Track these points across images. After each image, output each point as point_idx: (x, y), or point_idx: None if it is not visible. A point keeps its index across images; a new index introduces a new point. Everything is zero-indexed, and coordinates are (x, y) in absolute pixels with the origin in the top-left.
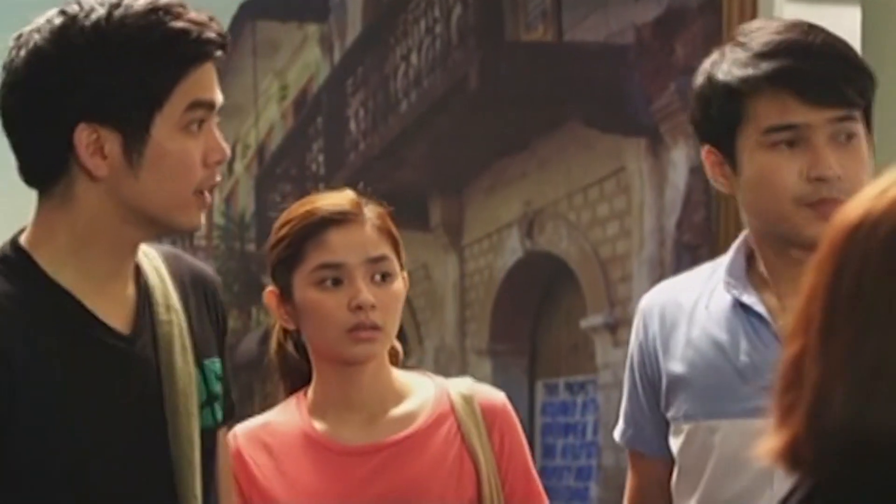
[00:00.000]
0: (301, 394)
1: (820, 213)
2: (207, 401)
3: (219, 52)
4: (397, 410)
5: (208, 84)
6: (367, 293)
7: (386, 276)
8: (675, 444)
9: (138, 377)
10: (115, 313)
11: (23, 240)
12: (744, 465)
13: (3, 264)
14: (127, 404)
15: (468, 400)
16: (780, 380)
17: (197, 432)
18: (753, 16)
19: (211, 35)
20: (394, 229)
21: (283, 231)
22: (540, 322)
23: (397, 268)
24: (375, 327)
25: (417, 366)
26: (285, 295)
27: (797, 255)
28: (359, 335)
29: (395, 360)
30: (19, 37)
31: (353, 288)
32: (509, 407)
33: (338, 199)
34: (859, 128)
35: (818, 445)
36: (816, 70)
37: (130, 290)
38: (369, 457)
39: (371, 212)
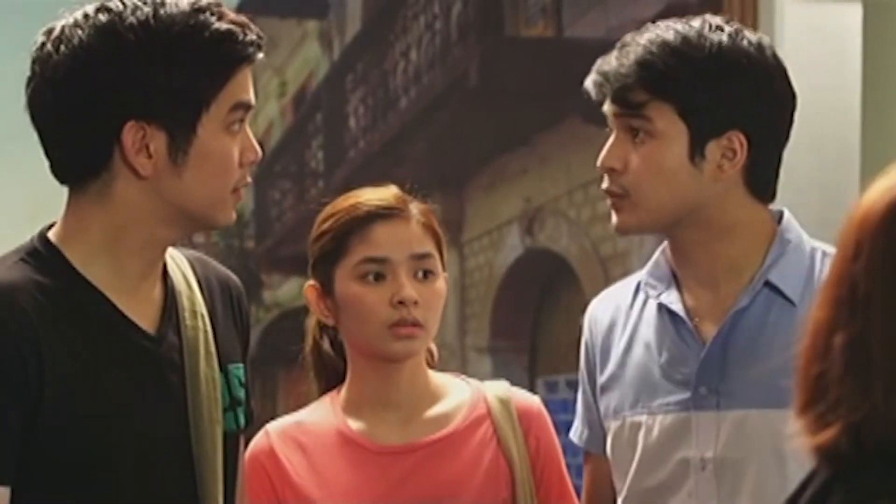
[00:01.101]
0: (335, 392)
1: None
2: (230, 406)
3: (260, 55)
4: (433, 411)
5: (247, 85)
6: (410, 289)
7: (428, 274)
8: (608, 440)
9: (162, 378)
10: (142, 313)
11: (52, 234)
12: (663, 458)
13: (33, 258)
14: (152, 403)
15: (505, 403)
16: (823, 371)
17: (220, 436)
18: (754, 12)
19: (253, 37)
20: (438, 227)
21: (327, 225)
22: (540, 319)
23: (440, 266)
24: (417, 324)
25: None
26: (326, 289)
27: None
28: (400, 331)
29: (430, 360)
30: (51, 32)
31: (396, 283)
32: (544, 411)
33: (383, 193)
34: (653, 125)
35: (850, 439)
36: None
37: (158, 291)
38: (405, 456)
39: (416, 208)
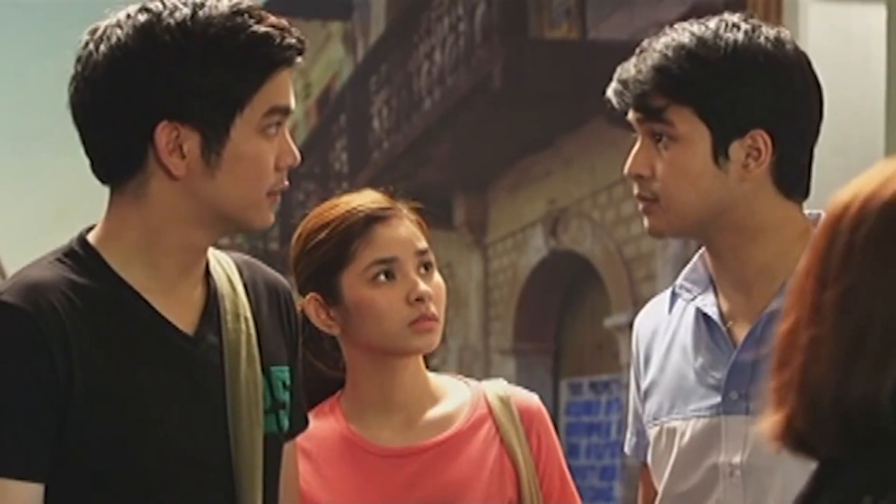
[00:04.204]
0: (334, 399)
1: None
2: (272, 408)
3: (298, 59)
4: (434, 413)
5: (286, 90)
6: (424, 284)
7: (429, 266)
8: (649, 446)
9: (201, 379)
10: (181, 314)
11: (91, 236)
12: (695, 464)
13: (69, 258)
14: (188, 404)
15: (505, 402)
16: (774, 357)
17: (260, 438)
18: (778, 14)
19: (292, 41)
20: (423, 222)
21: (323, 235)
22: (564, 321)
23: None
24: (434, 318)
25: (441, 365)
26: (329, 299)
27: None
28: (421, 326)
29: (425, 361)
30: (95, 31)
31: (409, 281)
32: (544, 409)
33: (372, 196)
34: (675, 129)
35: (810, 421)
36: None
37: (199, 292)
38: (410, 459)
39: (404, 206)
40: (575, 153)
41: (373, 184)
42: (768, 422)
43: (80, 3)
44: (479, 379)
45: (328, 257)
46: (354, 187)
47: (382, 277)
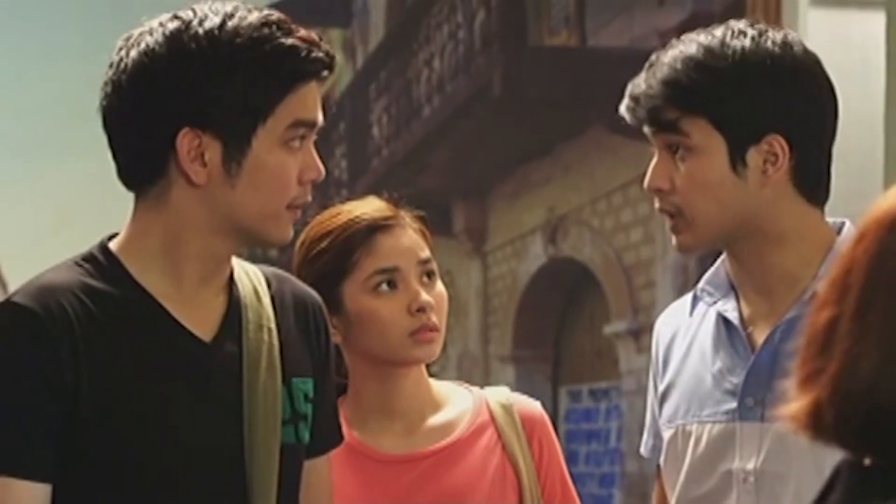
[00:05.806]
0: None
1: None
2: (291, 418)
3: (325, 73)
4: (436, 419)
5: (312, 104)
6: (425, 294)
7: (432, 276)
8: (663, 449)
9: (217, 386)
10: (200, 321)
11: (114, 242)
12: (709, 469)
13: (88, 263)
14: (201, 410)
15: (507, 409)
16: (807, 346)
17: (277, 448)
18: (777, 21)
19: (319, 55)
20: (426, 230)
21: (325, 244)
22: (563, 328)
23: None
24: (435, 328)
25: (440, 372)
26: (331, 308)
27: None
28: (422, 337)
29: (428, 368)
30: (129, 37)
31: (411, 291)
32: (546, 416)
33: (375, 205)
34: (690, 140)
35: (840, 409)
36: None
37: (220, 301)
38: (412, 465)
39: (407, 215)
40: (574, 160)
41: (372, 191)
42: (793, 406)
43: (80, 11)
44: (479, 386)
45: (330, 266)
46: (354, 194)
47: (384, 287)
